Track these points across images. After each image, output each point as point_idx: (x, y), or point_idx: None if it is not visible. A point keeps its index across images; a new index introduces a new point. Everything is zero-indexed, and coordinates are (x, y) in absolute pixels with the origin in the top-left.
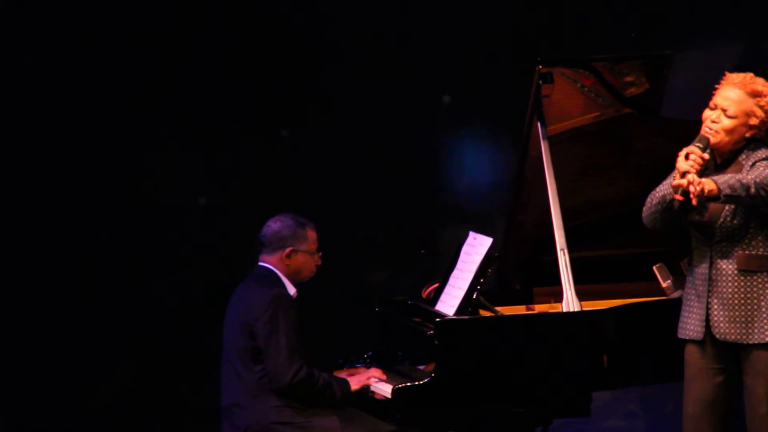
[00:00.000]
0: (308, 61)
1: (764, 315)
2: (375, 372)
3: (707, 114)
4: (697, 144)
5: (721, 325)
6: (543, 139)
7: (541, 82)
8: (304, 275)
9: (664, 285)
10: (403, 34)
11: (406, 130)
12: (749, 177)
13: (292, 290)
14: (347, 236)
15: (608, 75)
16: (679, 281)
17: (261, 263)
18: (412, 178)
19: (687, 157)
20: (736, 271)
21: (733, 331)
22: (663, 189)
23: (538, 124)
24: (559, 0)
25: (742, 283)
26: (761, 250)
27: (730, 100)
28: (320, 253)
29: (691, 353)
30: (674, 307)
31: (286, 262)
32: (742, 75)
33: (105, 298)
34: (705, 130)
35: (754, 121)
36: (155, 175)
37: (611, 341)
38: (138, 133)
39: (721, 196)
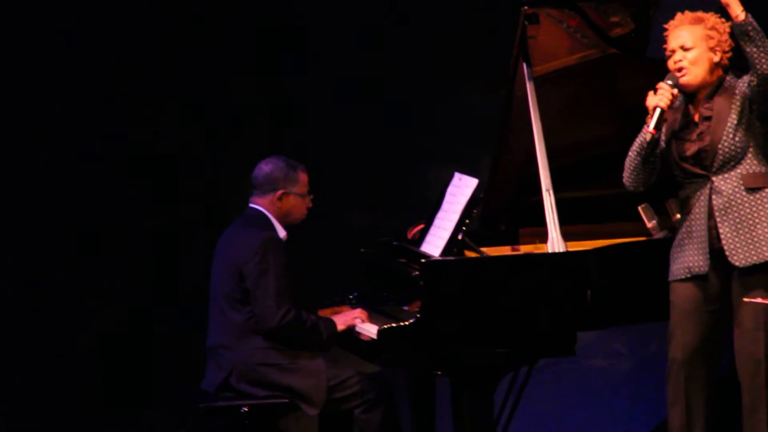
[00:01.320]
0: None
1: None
2: (359, 312)
3: (670, 62)
4: (667, 81)
5: (740, 250)
6: (528, 79)
7: (526, 22)
8: (294, 218)
9: (649, 225)
10: None
11: (390, 71)
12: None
13: (282, 233)
14: (332, 178)
15: (594, 15)
16: (665, 221)
17: (251, 205)
18: (396, 119)
19: (655, 92)
20: (744, 192)
21: (753, 252)
22: (636, 141)
23: (524, 65)
24: None
25: (754, 202)
26: (762, 167)
27: (682, 36)
28: (311, 196)
29: (682, 294)
30: (659, 248)
31: (278, 205)
32: (678, 15)
33: (84, 244)
34: (675, 73)
35: (712, 43)
36: (145, 123)
37: (596, 282)
38: (128, 82)
39: (747, 15)
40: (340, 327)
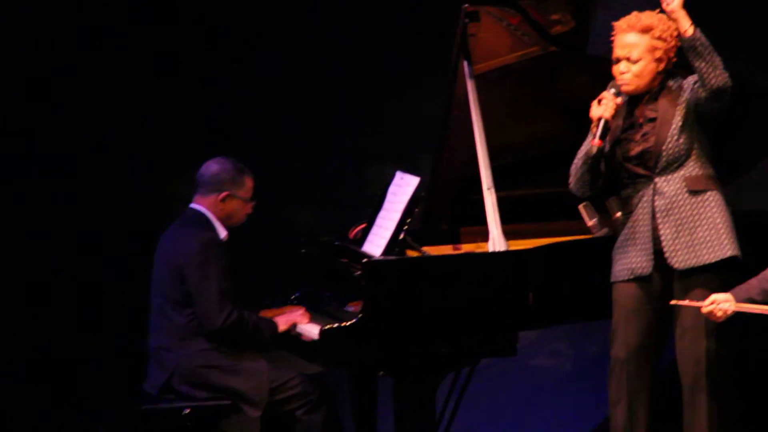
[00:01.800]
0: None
1: (722, 231)
2: (301, 312)
3: (615, 69)
4: (610, 90)
5: (679, 253)
6: (469, 78)
7: (467, 20)
8: (234, 221)
9: (590, 223)
10: None
11: (331, 69)
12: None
13: (222, 233)
14: (273, 177)
15: (534, 13)
16: (605, 219)
17: (193, 205)
18: (337, 117)
19: (599, 103)
20: (686, 194)
21: (692, 255)
22: (582, 150)
23: (465, 63)
24: None
25: (695, 205)
26: (705, 169)
27: (629, 45)
28: (254, 203)
29: (624, 294)
30: (601, 246)
31: (220, 206)
32: (627, 18)
33: (32, 239)
34: (619, 82)
35: (658, 54)
36: (82, 119)
37: (537, 281)
38: (62, 69)
39: (696, 30)
40: (281, 327)
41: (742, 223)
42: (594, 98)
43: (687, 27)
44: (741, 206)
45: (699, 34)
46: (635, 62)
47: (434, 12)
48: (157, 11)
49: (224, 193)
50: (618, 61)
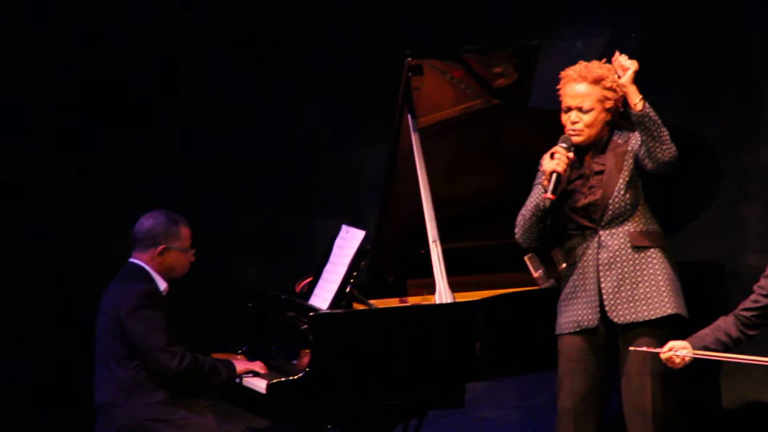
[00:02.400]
0: (176, 49)
1: (654, 291)
2: (259, 364)
3: (565, 118)
4: (562, 144)
5: (613, 306)
6: (414, 131)
7: (410, 74)
8: (177, 272)
9: (535, 275)
10: (275, 29)
11: (279, 122)
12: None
13: (162, 285)
14: (219, 231)
15: (477, 66)
16: (551, 270)
17: (132, 259)
18: (284, 171)
19: (552, 156)
20: (630, 250)
21: (631, 311)
22: (531, 202)
23: (409, 116)
24: None
25: (637, 261)
26: (649, 226)
27: (580, 95)
28: (194, 250)
29: (570, 345)
30: (547, 297)
31: (159, 260)
32: (576, 67)
33: None
34: (569, 132)
35: (609, 104)
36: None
37: (484, 332)
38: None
39: (645, 105)
40: (240, 368)
41: (687, 273)
42: (537, 150)
43: (637, 101)
44: (686, 257)
45: (648, 109)
46: (586, 112)
47: (380, 64)
48: (105, 65)
49: (161, 247)
50: (569, 110)
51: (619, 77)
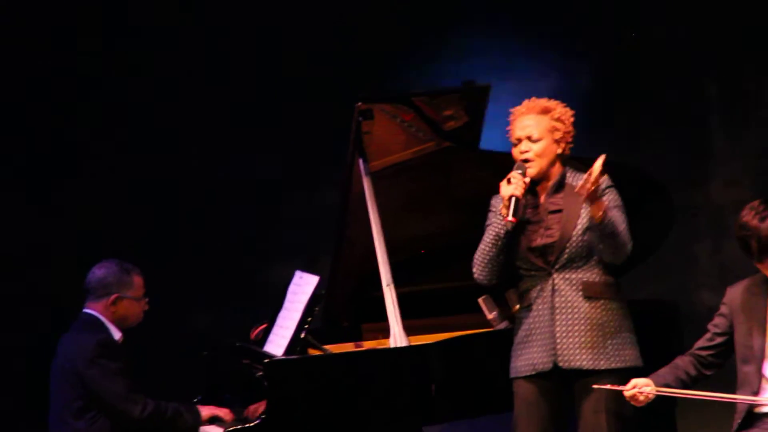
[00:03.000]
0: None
1: (609, 341)
2: (225, 411)
3: (515, 151)
4: (517, 171)
5: (569, 352)
6: (365, 175)
7: (361, 118)
8: (130, 321)
9: (490, 317)
10: (223, 70)
11: (227, 168)
12: (624, 228)
13: (117, 335)
14: (173, 279)
15: (427, 109)
16: (505, 312)
17: (85, 310)
18: (236, 219)
19: (509, 182)
20: (581, 298)
21: (580, 358)
22: (489, 235)
23: (360, 160)
24: (378, 35)
25: (588, 311)
26: (602, 276)
27: (530, 126)
28: (147, 299)
29: (525, 388)
30: (501, 339)
31: (112, 309)
32: (525, 102)
33: None
34: (522, 163)
35: (558, 135)
36: None
37: (440, 375)
38: None
39: (605, 217)
40: (205, 413)
41: (640, 311)
42: (488, 191)
43: (598, 214)
44: (639, 295)
45: (608, 220)
46: (536, 141)
47: (330, 109)
48: (55, 119)
49: (113, 296)
50: (519, 142)
51: (580, 193)
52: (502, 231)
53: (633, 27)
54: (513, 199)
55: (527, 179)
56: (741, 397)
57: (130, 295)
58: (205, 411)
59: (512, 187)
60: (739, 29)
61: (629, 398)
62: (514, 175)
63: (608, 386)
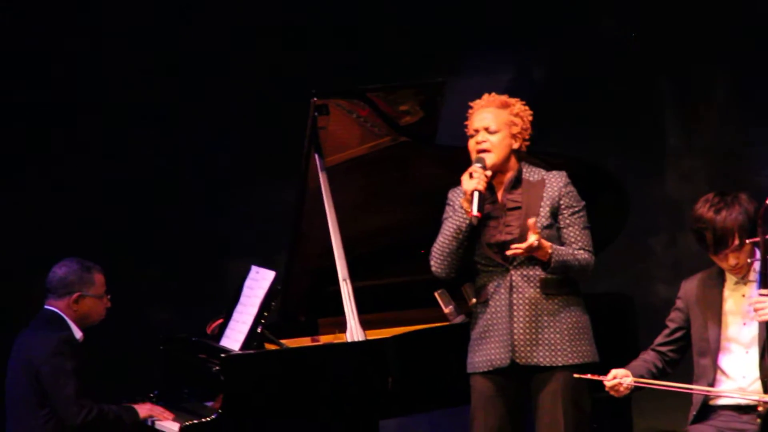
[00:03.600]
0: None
1: (566, 338)
2: (162, 409)
3: (472, 142)
4: (477, 165)
5: (527, 349)
6: (321, 170)
7: (316, 114)
8: (92, 319)
9: (446, 311)
10: (172, 65)
11: (185, 163)
12: (578, 254)
13: (78, 334)
14: (130, 274)
15: (383, 105)
16: (461, 306)
17: (47, 307)
18: (192, 213)
19: (471, 176)
20: (539, 295)
21: (537, 355)
22: (449, 228)
23: (316, 155)
24: (334, 29)
25: (546, 308)
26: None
27: (489, 118)
28: (108, 296)
29: (483, 383)
30: (458, 333)
31: (74, 308)
32: (485, 96)
33: None
34: (478, 151)
35: (515, 130)
36: None
37: (396, 369)
38: None
39: (552, 261)
40: (142, 414)
41: (596, 304)
42: (444, 186)
43: (544, 260)
44: (595, 288)
45: (554, 261)
46: (493, 133)
47: (287, 104)
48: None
49: (75, 295)
50: (476, 133)
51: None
52: (464, 225)
53: (582, 24)
54: (476, 194)
55: (488, 173)
56: (717, 390)
57: (92, 293)
58: (144, 411)
59: (474, 181)
60: (690, 26)
61: (610, 389)
62: (476, 169)
63: (589, 376)
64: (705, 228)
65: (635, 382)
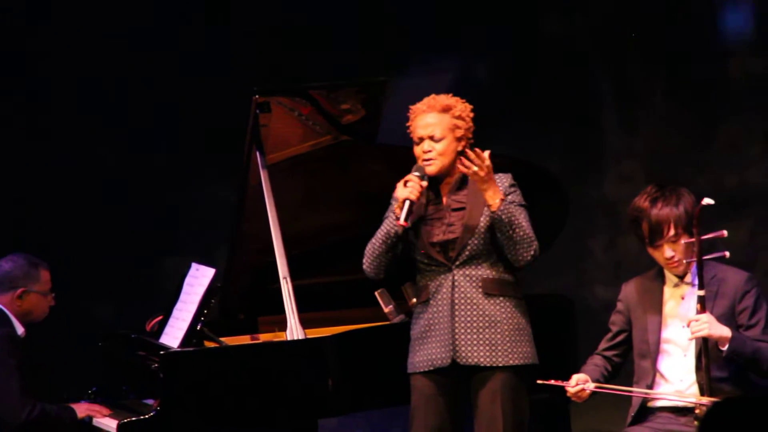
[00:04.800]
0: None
1: (507, 338)
2: (99, 407)
3: (418, 149)
4: (415, 173)
5: (468, 349)
6: (262, 168)
7: (258, 111)
8: (35, 316)
9: (386, 310)
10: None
11: (127, 160)
12: (525, 227)
13: (20, 329)
14: (70, 269)
15: (325, 103)
16: (401, 306)
17: None
18: (133, 209)
19: (405, 184)
20: (480, 295)
21: (478, 354)
22: (382, 231)
23: (257, 153)
24: (278, 28)
25: (486, 307)
26: (501, 274)
27: (432, 125)
28: (53, 294)
29: (423, 383)
30: (398, 332)
31: (18, 303)
32: (426, 100)
33: None
34: (423, 163)
35: (459, 133)
36: None
37: (336, 368)
38: None
39: (502, 204)
40: (80, 414)
41: (536, 305)
42: (386, 185)
43: (493, 201)
44: (534, 290)
45: (500, 212)
46: (438, 141)
47: (229, 101)
48: None
49: (20, 290)
50: (421, 141)
51: (474, 178)
52: (392, 230)
53: (530, 24)
54: (407, 203)
55: (425, 183)
56: (689, 398)
57: (37, 289)
58: (81, 410)
59: (408, 190)
60: (630, 27)
61: (573, 395)
62: (412, 177)
63: (552, 382)
64: (641, 218)
65: (596, 387)
